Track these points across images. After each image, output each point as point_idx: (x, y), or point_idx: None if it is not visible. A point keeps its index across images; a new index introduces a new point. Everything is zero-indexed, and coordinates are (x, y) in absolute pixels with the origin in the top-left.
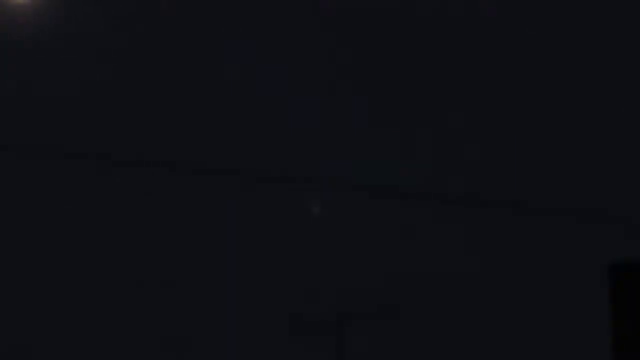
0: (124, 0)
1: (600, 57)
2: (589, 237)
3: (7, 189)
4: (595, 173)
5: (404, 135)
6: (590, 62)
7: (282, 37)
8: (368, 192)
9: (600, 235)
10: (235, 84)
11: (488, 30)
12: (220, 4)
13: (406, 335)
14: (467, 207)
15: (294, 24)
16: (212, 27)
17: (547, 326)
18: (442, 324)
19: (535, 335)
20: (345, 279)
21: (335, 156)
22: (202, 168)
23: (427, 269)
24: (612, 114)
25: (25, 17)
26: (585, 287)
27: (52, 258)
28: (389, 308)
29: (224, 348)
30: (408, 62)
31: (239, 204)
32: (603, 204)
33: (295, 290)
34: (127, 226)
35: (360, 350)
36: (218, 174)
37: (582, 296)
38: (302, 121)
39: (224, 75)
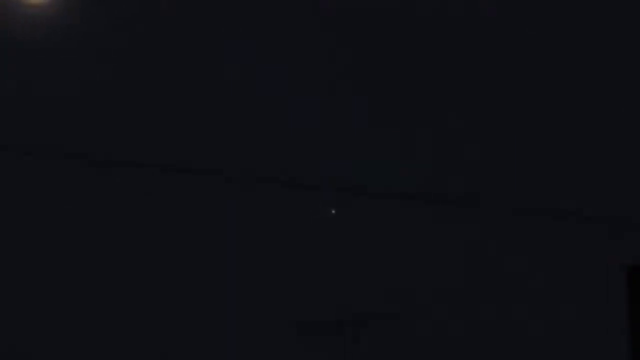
0: (124, 0)
1: (601, 57)
2: (607, 239)
3: (7, 189)
4: (606, 175)
5: (404, 135)
6: (591, 62)
7: (282, 37)
8: (368, 193)
9: (619, 236)
10: (235, 84)
11: (488, 30)
12: (220, 4)
13: (409, 336)
14: (480, 208)
15: (294, 24)
16: (212, 27)
17: (563, 329)
18: (448, 327)
19: (550, 340)
20: (345, 279)
21: (335, 156)
22: (201, 168)
23: (432, 270)
24: (620, 112)
25: (25, 17)
26: (603, 289)
27: (52, 258)
28: (391, 309)
29: (224, 349)
30: (408, 62)
31: (239, 204)
32: (621, 206)
33: (294, 291)
34: (126, 226)
35: (361, 352)
36: (218, 174)
37: (599, 298)
38: (302, 121)
39: (224, 75)
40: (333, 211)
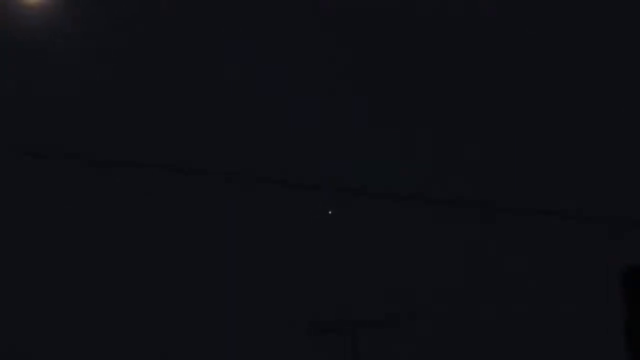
0: (124, 0)
1: (601, 57)
2: (607, 239)
3: (7, 189)
4: (606, 174)
5: (404, 135)
6: (591, 62)
7: (282, 37)
8: (368, 193)
9: (619, 236)
10: (235, 84)
11: (488, 30)
12: (220, 4)
13: (409, 337)
14: (480, 208)
15: (294, 24)
16: (212, 27)
17: (561, 330)
18: (448, 327)
19: (549, 339)
20: (345, 279)
21: (335, 156)
22: (202, 168)
23: (432, 270)
24: (620, 113)
25: (25, 17)
26: (600, 291)
27: (52, 258)
28: (391, 309)
29: (224, 347)
30: (408, 62)
31: (239, 204)
32: (618, 207)
33: (294, 291)
34: (127, 226)
35: (361, 352)
36: (218, 174)
37: (599, 298)
38: (302, 121)
39: (224, 75)
40: (330, 212)
